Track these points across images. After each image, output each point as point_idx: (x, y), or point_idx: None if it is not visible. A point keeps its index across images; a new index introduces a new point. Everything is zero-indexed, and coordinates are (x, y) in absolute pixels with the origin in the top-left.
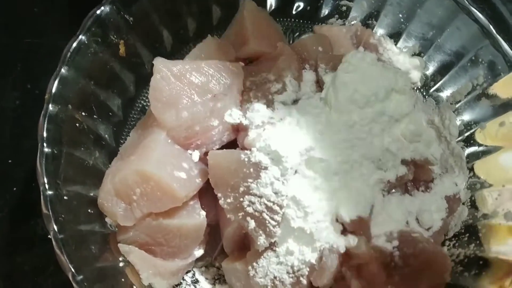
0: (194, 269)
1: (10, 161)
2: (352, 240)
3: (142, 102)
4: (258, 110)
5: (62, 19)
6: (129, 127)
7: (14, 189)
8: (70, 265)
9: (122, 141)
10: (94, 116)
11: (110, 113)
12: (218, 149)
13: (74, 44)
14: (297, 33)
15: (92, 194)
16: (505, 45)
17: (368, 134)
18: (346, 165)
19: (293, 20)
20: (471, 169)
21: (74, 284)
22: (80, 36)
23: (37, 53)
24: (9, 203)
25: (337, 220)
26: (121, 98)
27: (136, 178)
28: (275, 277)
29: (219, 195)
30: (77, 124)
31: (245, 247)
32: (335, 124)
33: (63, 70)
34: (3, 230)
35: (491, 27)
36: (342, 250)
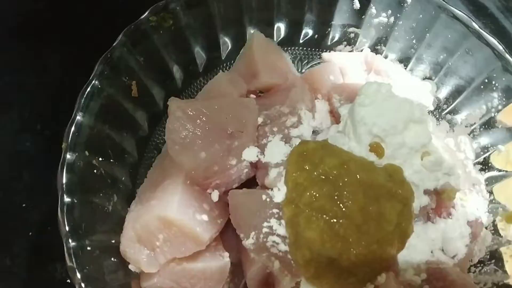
0: None
1: (24, 205)
2: (380, 278)
3: (155, 140)
4: (277, 147)
5: (70, 59)
6: (144, 167)
7: (30, 233)
8: None
9: (138, 182)
10: (111, 160)
11: (126, 155)
12: (237, 187)
13: (88, 89)
14: (306, 61)
15: (113, 241)
16: None
17: None
18: None
19: (301, 48)
20: (491, 193)
21: None
22: (93, 81)
23: (45, 94)
24: (26, 248)
25: None
26: (135, 138)
27: (158, 223)
28: None
29: (241, 235)
30: (95, 170)
31: (269, 285)
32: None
33: (78, 117)
34: (22, 276)
35: (502, 49)
36: (371, 287)
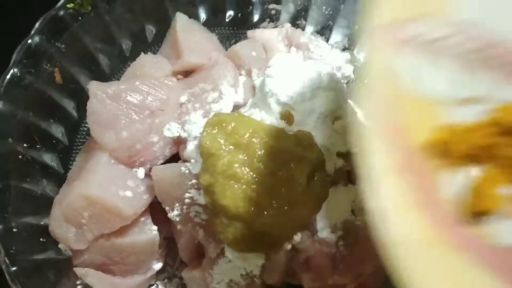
0: (157, 282)
1: None
2: (296, 237)
3: (87, 125)
4: (195, 122)
5: None
6: (76, 152)
7: None
8: None
9: (70, 166)
10: (37, 146)
11: (54, 141)
12: (162, 163)
13: (8, 77)
14: (233, 40)
15: (43, 223)
16: None
17: None
18: None
19: (227, 28)
20: None
21: None
22: (12, 70)
23: None
24: None
25: None
26: (63, 124)
27: (81, 202)
28: (230, 280)
29: (166, 208)
30: (20, 156)
31: (202, 254)
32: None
33: None
34: None
35: None
36: (288, 247)
